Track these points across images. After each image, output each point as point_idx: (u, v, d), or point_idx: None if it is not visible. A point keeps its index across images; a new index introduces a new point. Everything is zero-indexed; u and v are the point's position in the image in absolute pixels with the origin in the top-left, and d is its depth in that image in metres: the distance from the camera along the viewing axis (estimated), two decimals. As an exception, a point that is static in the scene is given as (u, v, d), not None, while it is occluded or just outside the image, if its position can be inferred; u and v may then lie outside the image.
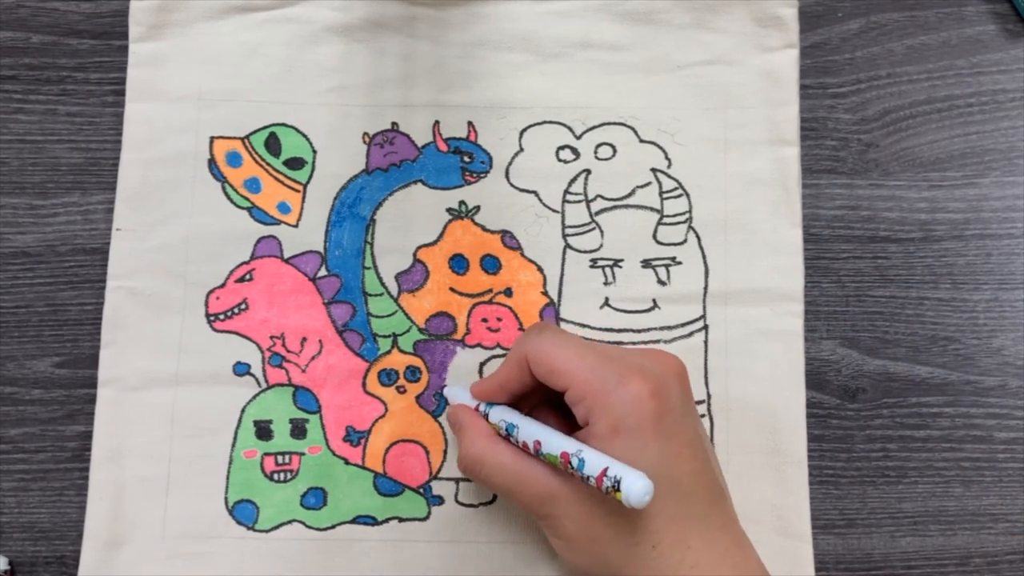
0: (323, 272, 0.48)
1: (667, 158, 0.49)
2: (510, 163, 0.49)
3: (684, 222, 0.48)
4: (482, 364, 0.48)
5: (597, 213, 0.49)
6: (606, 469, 0.35)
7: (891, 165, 0.50)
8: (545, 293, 0.48)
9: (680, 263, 0.48)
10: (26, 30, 0.51)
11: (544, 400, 0.43)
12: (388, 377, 0.47)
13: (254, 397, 0.47)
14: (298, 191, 0.49)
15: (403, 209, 0.49)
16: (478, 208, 0.49)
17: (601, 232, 0.48)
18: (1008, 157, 0.50)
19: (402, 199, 0.49)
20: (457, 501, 0.47)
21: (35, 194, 0.50)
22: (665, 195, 0.49)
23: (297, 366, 0.47)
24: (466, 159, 0.49)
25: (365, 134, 0.49)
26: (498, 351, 0.48)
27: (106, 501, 0.46)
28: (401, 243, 0.48)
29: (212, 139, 0.49)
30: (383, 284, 0.48)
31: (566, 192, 0.49)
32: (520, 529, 0.46)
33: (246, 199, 0.48)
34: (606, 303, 0.48)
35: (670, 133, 0.49)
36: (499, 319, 0.48)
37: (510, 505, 0.46)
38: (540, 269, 0.48)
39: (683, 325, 0.48)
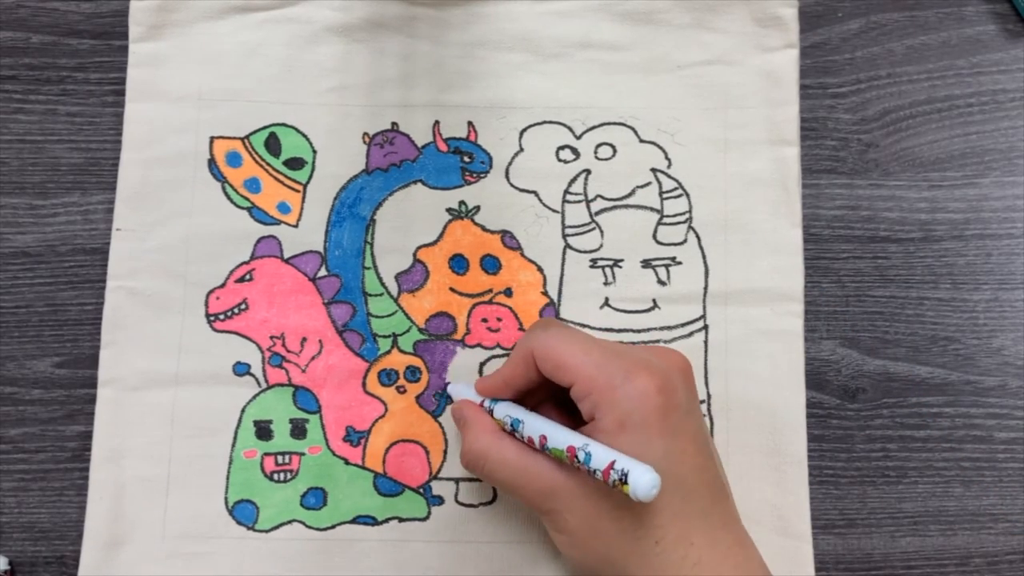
0: (323, 272, 0.48)
1: (667, 158, 0.49)
2: (510, 163, 0.49)
3: (684, 222, 0.48)
4: (482, 364, 0.48)
5: (597, 213, 0.49)
6: (613, 462, 0.35)
7: (891, 165, 0.50)
8: (545, 293, 0.48)
9: (680, 263, 0.48)
10: (26, 30, 0.51)
11: (549, 396, 0.43)
12: (388, 377, 0.47)
13: (254, 397, 0.47)
14: (298, 191, 0.49)
15: (403, 209, 0.49)
16: (478, 208, 0.49)
17: (601, 232, 0.48)
18: (1008, 157, 0.50)
19: (402, 199, 0.49)
20: (457, 501, 0.47)
21: (35, 194, 0.50)
22: (665, 195, 0.49)
23: (297, 366, 0.47)
24: (466, 159, 0.49)
25: (365, 134, 0.49)
26: (498, 351, 0.48)
27: (106, 501, 0.46)
28: (401, 243, 0.48)
29: (212, 139, 0.49)
30: (383, 284, 0.48)
31: (566, 192, 0.49)
32: (520, 529, 0.46)
33: (246, 199, 0.48)
34: (606, 303, 0.48)
35: (670, 133, 0.49)
36: (499, 319, 0.48)
37: (510, 505, 0.46)
38: (540, 269, 0.48)
39: (683, 325, 0.48)
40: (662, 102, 0.49)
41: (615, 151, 0.49)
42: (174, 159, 0.48)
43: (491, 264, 0.48)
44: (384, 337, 0.48)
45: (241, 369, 0.47)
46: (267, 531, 0.46)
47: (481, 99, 0.49)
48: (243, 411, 0.47)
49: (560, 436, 0.38)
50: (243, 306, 0.48)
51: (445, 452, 0.47)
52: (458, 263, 0.48)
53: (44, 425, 0.48)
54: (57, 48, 0.51)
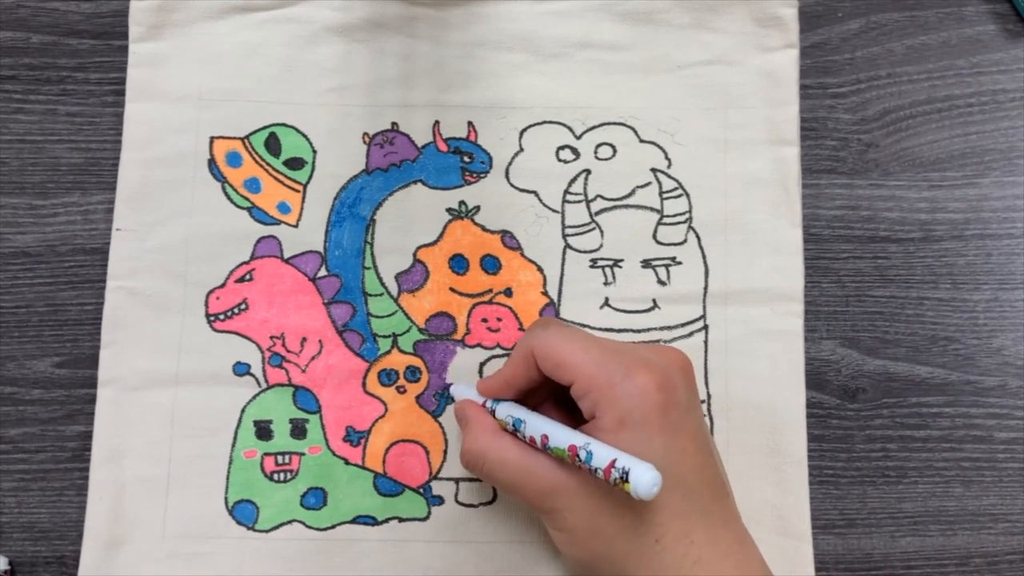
0: (323, 272, 0.48)
1: (667, 158, 0.49)
2: (510, 163, 0.49)
3: (684, 222, 0.48)
4: (482, 364, 0.48)
5: (597, 213, 0.49)
6: (614, 461, 0.35)
7: (891, 165, 0.50)
8: (545, 293, 0.48)
9: (680, 263, 0.48)
10: (26, 30, 0.51)
11: (550, 396, 0.43)
12: (388, 377, 0.47)
13: (254, 397, 0.47)
14: (298, 191, 0.49)
15: (403, 209, 0.49)
16: (478, 208, 0.49)
17: (601, 232, 0.48)
18: (1008, 157, 0.50)
19: (402, 199, 0.49)
20: (457, 501, 0.47)
21: (35, 194, 0.50)
22: (665, 195, 0.49)
23: (297, 366, 0.47)
24: (466, 159, 0.49)
25: (365, 134, 0.49)
26: (498, 351, 0.48)
27: (106, 501, 0.46)
28: (401, 243, 0.48)
29: (212, 139, 0.49)
30: (383, 284, 0.48)
31: (566, 192, 0.49)
32: (520, 529, 0.46)
33: (246, 199, 0.48)
34: (606, 303, 0.48)
35: (670, 133, 0.49)
36: (499, 319, 0.48)
37: (510, 505, 0.46)
38: (540, 269, 0.48)
39: (683, 325, 0.48)
40: (662, 102, 0.49)
41: (615, 151, 0.49)
42: (174, 159, 0.48)
43: (491, 264, 0.48)
44: (384, 337, 0.48)
45: (241, 369, 0.47)
46: (267, 531, 0.46)
47: (481, 99, 0.49)
48: (243, 411, 0.47)
49: (561, 435, 0.38)
50: (243, 306, 0.48)
51: (445, 452, 0.47)
52: (458, 263, 0.48)
53: (44, 425, 0.48)
54: (57, 48, 0.51)
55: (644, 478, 0.35)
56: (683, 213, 0.48)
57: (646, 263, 0.48)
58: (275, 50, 0.49)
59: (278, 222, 0.48)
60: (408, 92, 0.49)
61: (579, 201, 0.49)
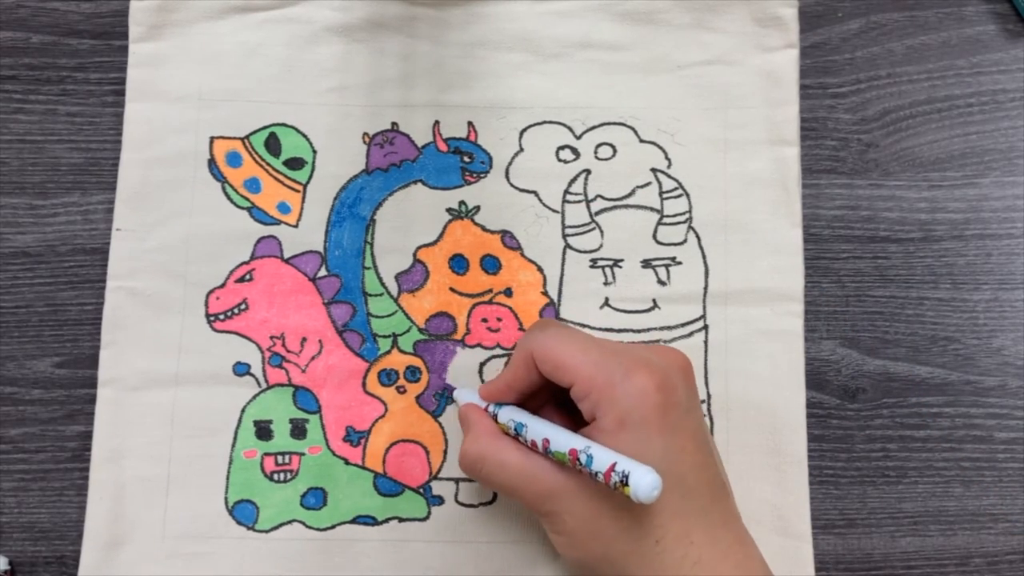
0: (323, 272, 0.48)
1: (667, 158, 0.49)
2: (510, 163, 0.49)
3: (684, 222, 0.48)
4: (482, 364, 0.48)
5: (597, 213, 0.49)
6: (614, 464, 0.36)
7: (891, 165, 0.50)
8: (545, 293, 0.48)
9: (680, 263, 0.48)
10: (26, 30, 0.51)
11: (551, 399, 0.43)
12: (388, 377, 0.47)
13: (254, 397, 0.47)
14: (298, 191, 0.49)
15: (403, 209, 0.49)
16: (478, 208, 0.49)
17: (601, 232, 0.48)
18: (1008, 157, 0.50)
19: (402, 199, 0.49)
20: (457, 501, 0.47)
21: (35, 194, 0.50)
22: (665, 195, 0.49)
23: (297, 366, 0.47)
24: (466, 159, 0.49)
25: (365, 134, 0.49)
26: (498, 351, 0.48)
27: (106, 501, 0.46)
28: (401, 243, 0.48)
29: (212, 139, 0.49)
30: (383, 284, 0.48)
31: (566, 192, 0.49)
32: (520, 529, 0.46)
33: (246, 199, 0.48)
34: (606, 303, 0.48)
35: (670, 133, 0.49)
36: (499, 319, 0.48)
37: (510, 505, 0.46)
38: (540, 269, 0.48)
39: (683, 325, 0.48)
40: (662, 102, 0.49)
41: (615, 151, 0.49)
42: (174, 159, 0.48)
43: (491, 264, 0.48)
44: (384, 337, 0.48)
45: (241, 369, 0.47)
46: (267, 531, 0.46)
47: (481, 99, 0.49)
48: (243, 411, 0.47)
49: (562, 439, 0.38)
50: (243, 306, 0.48)
51: (445, 452, 0.47)
52: (458, 263, 0.48)
53: (44, 425, 0.48)
54: (57, 48, 0.51)
55: (644, 481, 0.35)
56: (683, 213, 0.48)
57: (646, 263, 0.48)
58: (275, 50, 0.49)
59: (278, 222, 0.48)
60: (408, 92, 0.49)
61: (579, 201, 0.49)
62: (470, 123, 0.49)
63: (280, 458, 0.47)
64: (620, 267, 0.48)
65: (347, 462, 0.47)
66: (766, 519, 0.46)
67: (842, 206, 0.50)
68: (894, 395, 0.48)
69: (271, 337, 0.47)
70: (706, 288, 0.48)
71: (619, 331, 0.48)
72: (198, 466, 0.46)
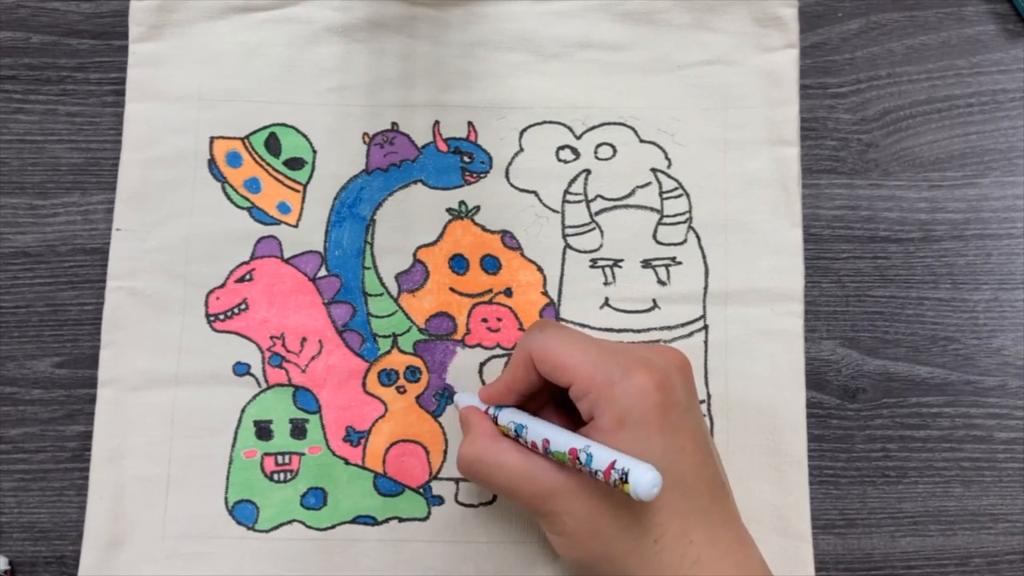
0: (323, 272, 0.48)
1: (667, 158, 0.49)
2: (510, 163, 0.49)
3: (684, 222, 0.48)
4: (482, 364, 0.48)
5: (597, 213, 0.49)
6: (614, 462, 0.36)
7: (891, 165, 0.50)
8: (545, 293, 0.48)
9: (680, 263, 0.48)
10: (26, 30, 0.51)
11: (550, 400, 0.43)
12: (388, 377, 0.47)
13: (254, 397, 0.47)
14: (298, 191, 0.49)
15: (403, 209, 0.49)
16: (478, 208, 0.49)
17: (601, 232, 0.48)
18: (1008, 157, 0.50)
19: (402, 199, 0.49)
20: (457, 501, 0.47)
21: (35, 194, 0.50)
22: (665, 195, 0.49)
23: (297, 366, 0.47)
24: (466, 159, 0.49)
25: (365, 134, 0.49)
26: (498, 351, 0.48)
27: (106, 501, 0.46)
28: (401, 243, 0.48)
29: (212, 139, 0.49)
30: (383, 284, 0.48)
31: (566, 192, 0.49)
32: (520, 529, 0.46)
33: (246, 199, 0.48)
34: (606, 303, 0.48)
35: (670, 133, 0.49)
36: (499, 319, 0.48)
37: (510, 506, 0.46)
38: (540, 269, 0.48)
39: (683, 325, 0.48)
40: (662, 102, 0.49)
41: (615, 151, 0.49)
42: (174, 159, 0.48)
43: (491, 264, 0.48)
44: (384, 337, 0.48)
45: (241, 369, 0.47)
46: (267, 531, 0.46)
47: (481, 99, 0.49)
48: (243, 411, 0.47)
49: (562, 439, 0.38)
50: (243, 306, 0.48)
51: (445, 452, 0.47)
52: (458, 263, 0.48)
53: (44, 425, 0.48)
54: (57, 48, 0.51)
55: (644, 479, 0.35)
56: (683, 213, 0.48)
57: (646, 263, 0.48)
58: (275, 50, 0.49)
59: (278, 222, 0.48)
60: (408, 92, 0.49)
61: (579, 201, 0.49)
62: (470, 123, 0.49)
63: (280, 458, 0.47)
64: (620, 267, 0.48)
65: (347, 462, 0.47)
66: (766, 519, 0.46)
67: (842, 206, 0.50)
68: (894, 395, 0.48)
69: (271, 337, 0.47)
70: (706, 288, 0.48)
71: (619, 331, 0.48)
72: (198, 466, 0.46)
